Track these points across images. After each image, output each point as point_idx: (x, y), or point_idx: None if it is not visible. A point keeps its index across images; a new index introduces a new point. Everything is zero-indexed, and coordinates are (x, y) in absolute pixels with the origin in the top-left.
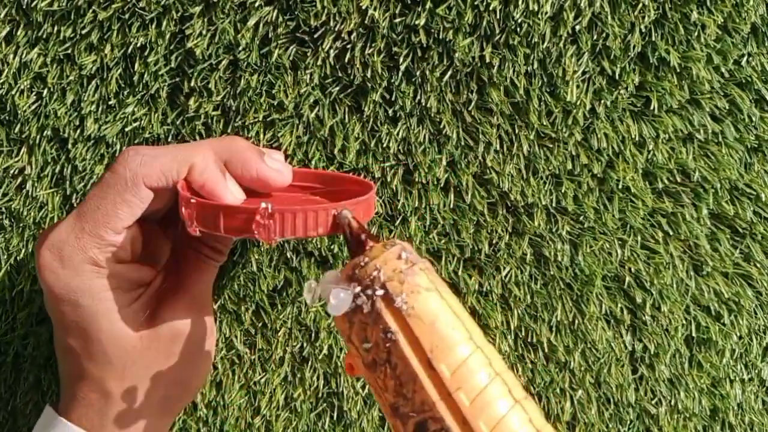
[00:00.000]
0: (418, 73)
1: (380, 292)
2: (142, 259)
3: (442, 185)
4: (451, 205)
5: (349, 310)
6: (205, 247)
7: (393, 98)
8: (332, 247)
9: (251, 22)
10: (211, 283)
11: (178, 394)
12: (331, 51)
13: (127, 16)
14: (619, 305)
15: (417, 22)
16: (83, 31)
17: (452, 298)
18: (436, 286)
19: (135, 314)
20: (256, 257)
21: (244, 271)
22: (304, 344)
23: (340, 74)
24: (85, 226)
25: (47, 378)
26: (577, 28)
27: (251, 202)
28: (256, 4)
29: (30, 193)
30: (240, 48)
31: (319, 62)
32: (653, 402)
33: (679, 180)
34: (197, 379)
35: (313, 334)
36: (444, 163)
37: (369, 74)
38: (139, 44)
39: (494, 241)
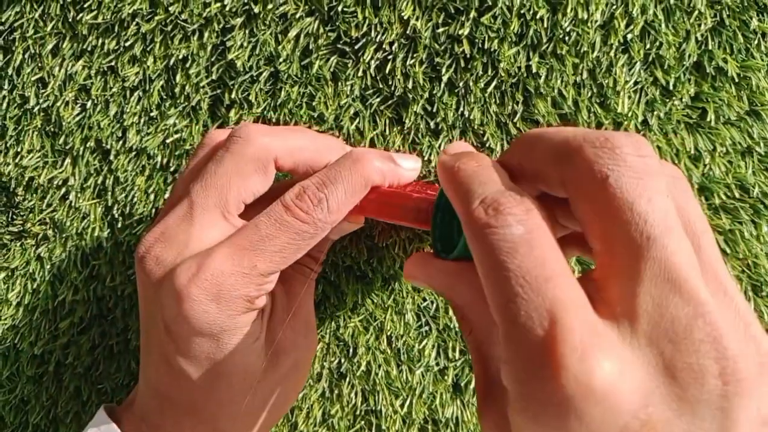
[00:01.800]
0: (461, 84)
1: None
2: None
3: None
4: None
5: None
6: (306, 257)
7: (435, 110)
8: (372, 261)
9: (292, 34)
10: (311, 296)
11: (282, 411)
12: (372, 62)
13: (169, 28)
14: None
15: (461, 32)
16: (126, 44)
17: None
18: None
19: (261, 347)
20: None
21: None
22: (342, 360)
23: (381, 85)
24: (258, 266)
25: (87, 387)
26: (629, 36)
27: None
28: (297, 15)
29: (73, 204)
30: (281, 59)
31: (360, 73)
32: None
33: (737, 195)
34: (298, 392)
35: (351, 350)
36: None
37: (410, 85)
38: (181, 56)
39: None
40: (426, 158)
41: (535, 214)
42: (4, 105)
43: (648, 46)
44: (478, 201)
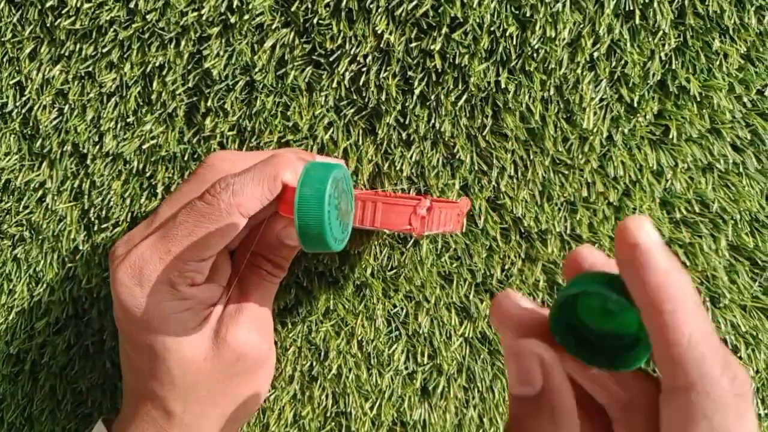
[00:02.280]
0: (432, 97)
1: None
2: (209, 279)
3: None
4: (464, 230)
5: None
6: (266, 262)
7: (407, 121)
8: (343, 268)
9: (268, 44)
10: (270, 300)
11: (236, 414)
12: (347, 74)
13: (146, 35)
14: None
15: (432, 47)
16: (104, 50)
17: None
18: None
19: (202, 336)
20: None
21: None
22: (314, 363)
23: (354, 97)
24: (171, 249)
25: (62, 386)
26: (596, 54)
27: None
28: (273, 26)
29: (50, 206)
30: (256, 69)
31: (335, 84)
32: None
33: (697, 210)
34: (260, 397)
35: (322, 354)
36: (457, 187)
37: (383, 97)
38: (158, 63)
39: (506, 267)
40: (398, 168)
41: None
42: None
43: (614, 64)
44: (720, 366)
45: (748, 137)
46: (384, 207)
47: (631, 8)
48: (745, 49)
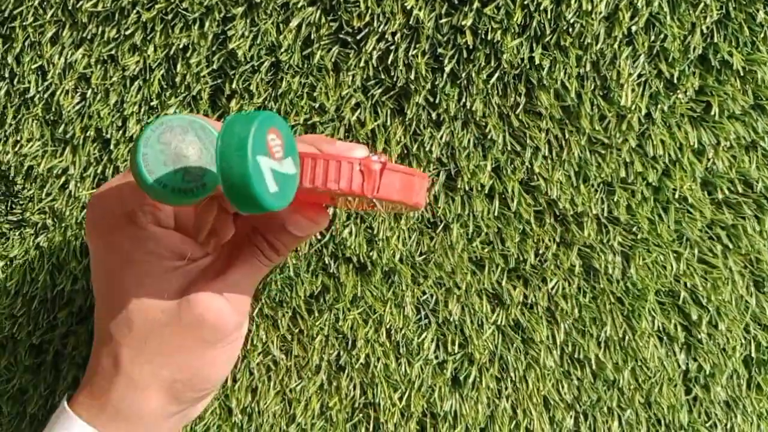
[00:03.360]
0: (463, 75)
1: None
2: (194, 235)
3: (486, 192)
4: (496, 213)
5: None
6: (263, 241)
7: (437, 101)
8: (371, 253)
9: (294, 23)
10: (254, 281)
11: (188, 382)
12: (374, 52)
13: (170, 17)
14: (673, 322)
15: (464, 23)
16: (127, 32)
17: None
18: None
19: (165, 286)
20: (294, 262)
21: (282, 275)
22: (341, 352)
23: (382, 76)
24: (129, 179)
25: None
26: (634, 29)
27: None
28: (299, 5)
29: (72, 193)
30: (282, 49)
31: (362, 64)
32: (707, 425)
33: (740, 190)
34: (211, 374)
35: (350, 343)
36: (489, 168)
37: (412, 76)
38: (181, 45)
39: (541, 251)
40: (428, 149)
41: None
42: (3, 93)
43: (652, 38)
44: None
45: None
46: (325, 163)
47: None
48: None
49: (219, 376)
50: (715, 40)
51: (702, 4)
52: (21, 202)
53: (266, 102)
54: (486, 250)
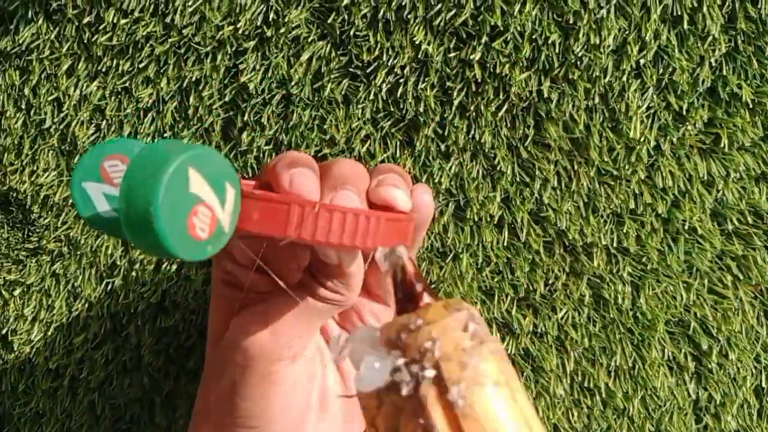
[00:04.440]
0: (472, 108)
1: (431, 373)
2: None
3: (495, 222)
4: (505, 243)
5: (382, 387)
6: (307, 271)
7: (446, 133)
8: None
9: (304, 57)
10: (298, 314)
11: (227, 412)
12: (384, 85)
13: (182, 50)
14: (683, 351)
15: (472, 57)
16: (141, 65)
17: (525, 400)
18: (507, 381)
19: (220, 312)
20: None
21: None
22: None
23: (392, 108)
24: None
25: (101, 401)
26: (642, 61)
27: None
28: (309, 39)
29: None
30: (293, 82)
31: (372, 96)
32: None
33: (750, 221)
34: (252, 408)
35: None
36: (498, 199)
37: (422, 108)
38: (194, 78)
39: (550, 281)
40: (437, 180)
41: None
42: (20, 124)
43: (661, 71)
44: None
45: None
46: (257, 203)
47: (679, 13)
48: None
49: (261, 415)
50: (724, 73)
51: (710, 38)
52: (37, 230)
53: (277, 134)
54: (496, 279)
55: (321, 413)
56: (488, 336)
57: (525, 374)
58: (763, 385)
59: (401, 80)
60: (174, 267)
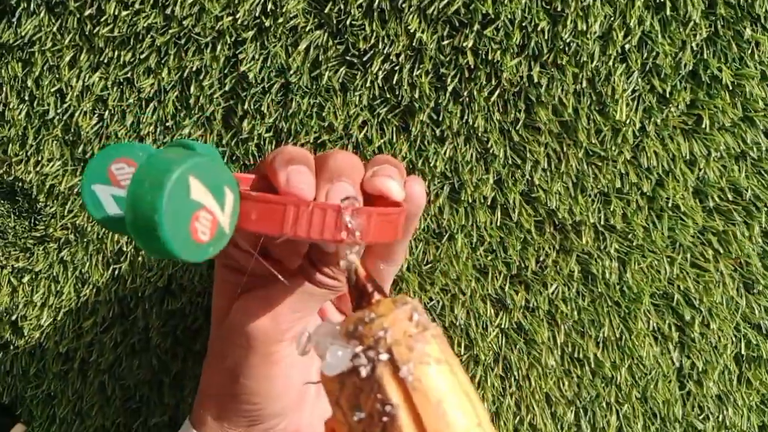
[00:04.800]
0: (465, 93)
1: (384, 356)
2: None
3: (489, 203)
4: (498, 223)
5: (344, 371)
6: (306, 258)
7: (440, 118)
8: None
9: (302, 46)
10: (297, 298)
11: (229, 392)
12: (380, 73)
13: (183, 41)
14: (668, 322)
15: (465, 44)
16: (142, 56)
17: (463, 374)
18: (447, 359)
19: (223, 296)
20: None
21: None
22: None
23: (388, 95)
24: None
25: (111, 383)
26: (627, 47)
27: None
28: (307, 29)
29: None
30: (291, 71)
31: (368, 84)
32: (701, 418)
33: (730, 198)
34: (253, 387)
35: None
36: (491, 181)
37: (417, 95)
38: (194, 68)
39: (541, 258)
40: (432, 164)
41: None
42: (24, 115)
43: (645, 55)
44: None
45: None
46: (255, 204)
47: (662, 0)
48: None
49: (263, 393)
50: (705, 57)
51: (692, 23)
52: (44, 219)
53: (277, 122)
54: (489, 258)
55: (319, 391)
56: (430, 323)
57: (518, 347)
58: (743, 352)
59: (397, 68)
60: None
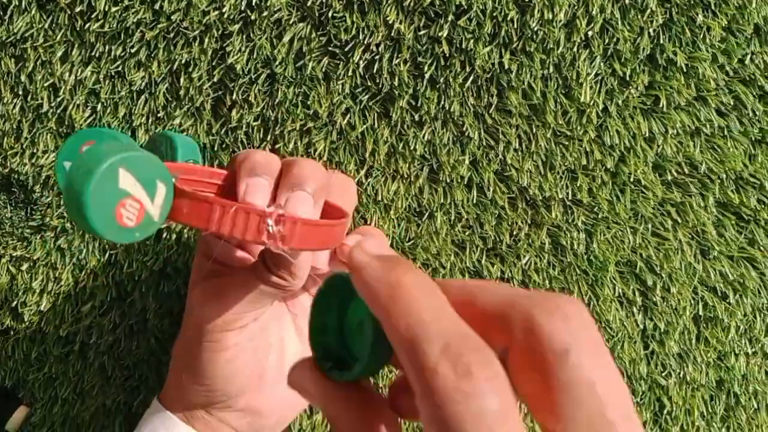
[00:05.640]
0: (441, 80)
1: None
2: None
3: (465, 182)
4: (474, 201)
5: None
6: (261, 254)
7: (419, 104)
8: None
9: (286, 38)
10: (245, 292)
11: (187, 371)
12: (361, 62)
13: (171, 35)
14: (632, 288)
15: (440, 34)
16: (132, 50)
17: None
18: None
19: (195, 277)
20: None
21: None
22: None
23: (369, 83)
24: None
25: (111, 363)
26: (590, 33)
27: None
28: (291, 21)
29: None
30: (276, 62)
31: (350, 73)
32: (663, 375)
33: (687, 172)
34: (205, 370)
35: None
36: (467, 162)
37: (396, 83)
38: (183, 61)
39: (515, 232)
40: (412, 147)
41: (505, 381)
42: (18, 109)
43: (607, 41)
44: (438, 347)
45: (732, 102)
46: (186, 201)
47: None
48: (726, 22)
49: (210, 376)
50: (662, 42)
51: (649, 10)
52: (40, 209)
53: (264, 111)
54: (467, 233)
55: (278, 375)
56: None
57: None
58: (701, 313)
59: (377, 57)
60: (174, 236)
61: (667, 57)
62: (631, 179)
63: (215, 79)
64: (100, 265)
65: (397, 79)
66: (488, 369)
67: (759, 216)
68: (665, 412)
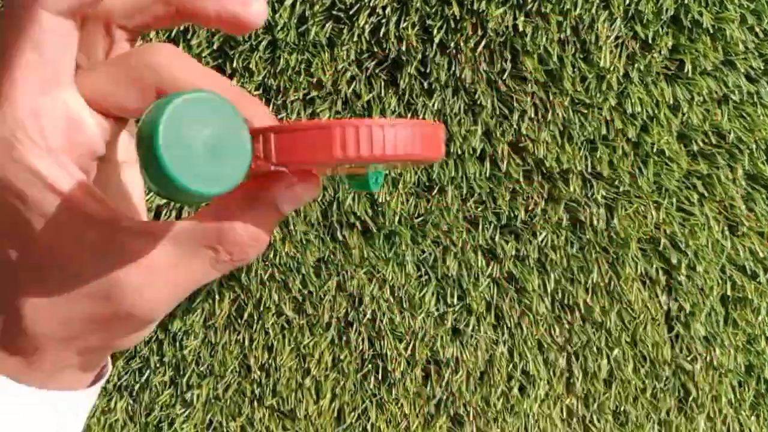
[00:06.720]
0: (452, 45)
1: None
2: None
3: (477, 155)
4: (487, 174)
5: None
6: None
7: (428, 71)
8: (374, 217)
9: (288, 2)
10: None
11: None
12: (366, 26)
13: None
14: (655, 266)
15: None
16: None
17: None
18: None
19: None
20: (304, 228)
21: (292, 241)
22: (349, 309)
23: (375, 49)
24: None
25: None
26: None
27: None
28: None
29: None
30: (278, 28)
31: (355, 38)
32: (689, 359)
33: (714, 142)
34: None
35: (356, 300)
36: (479, 132)
37: (404, 48)
38: (181, 27)
39: (530, 208)
40: (421, 117)
41: None
42: None
43: (627, 1)
44: None
45: (762, 67)
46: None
47: None
48: None
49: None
50: (686, 1)
51: None
52: None
53: (266, 79)
54: (480, 209)
55: None
56: None
57: (509, 295)
58: (729, 293)
59: (383, 20)
60: (173, 215)
61: (693, 18)
62: (654, 150)
63: (215, 47)
64: None
65: (404, 44)
66: None
67: None
68: (690, 398)
